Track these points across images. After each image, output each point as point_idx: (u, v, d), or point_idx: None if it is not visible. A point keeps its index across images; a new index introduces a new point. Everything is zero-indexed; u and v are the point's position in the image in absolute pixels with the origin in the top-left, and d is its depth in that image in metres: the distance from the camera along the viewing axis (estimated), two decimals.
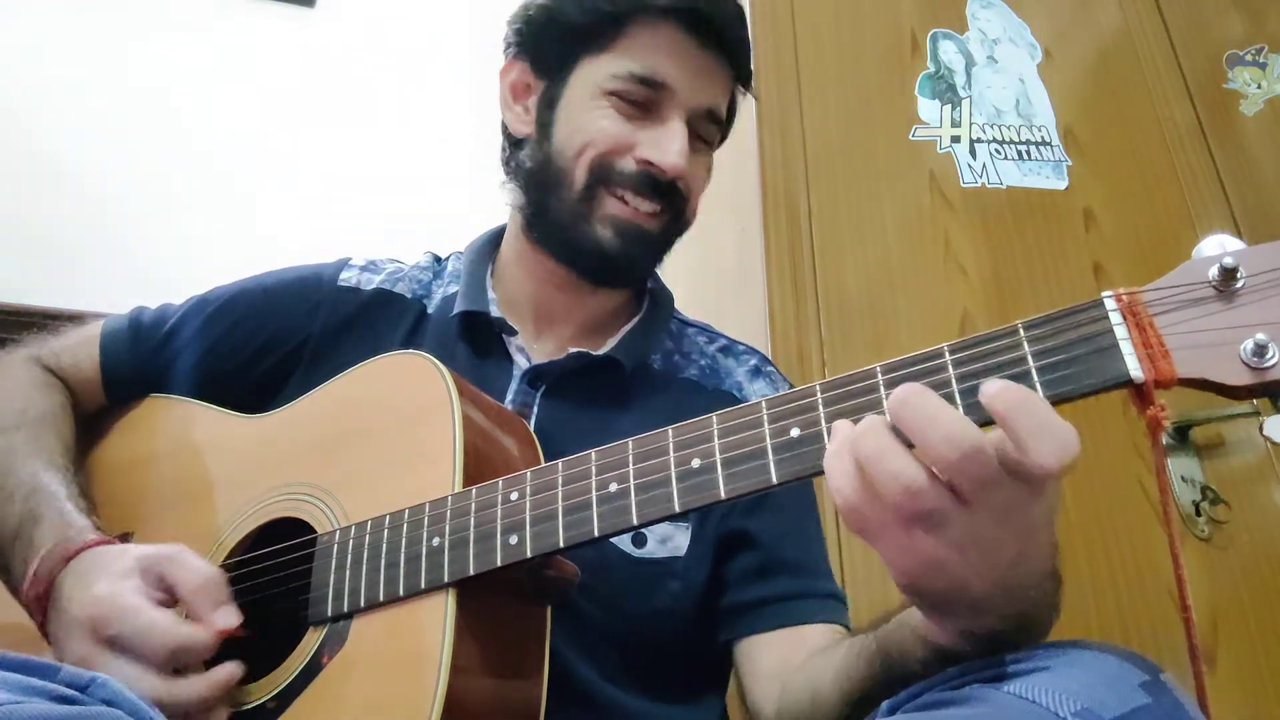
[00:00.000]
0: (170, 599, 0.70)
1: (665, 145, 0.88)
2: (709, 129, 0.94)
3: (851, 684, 0.67)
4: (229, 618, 0.70)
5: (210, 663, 0.69)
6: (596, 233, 0.89)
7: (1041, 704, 0.47)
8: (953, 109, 1.65)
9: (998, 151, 1.63)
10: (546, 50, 0.95)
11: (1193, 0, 1.81)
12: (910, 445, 0.48)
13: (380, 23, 2.19)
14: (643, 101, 0.89)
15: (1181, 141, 1.67)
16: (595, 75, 0.90)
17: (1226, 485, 1.40)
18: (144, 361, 0.97)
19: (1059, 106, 1.69)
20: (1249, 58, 1.76)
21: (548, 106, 0.93)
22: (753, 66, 1.00)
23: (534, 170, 0.94)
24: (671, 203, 0.91)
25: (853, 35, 1.67)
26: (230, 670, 0.68)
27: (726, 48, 0.92)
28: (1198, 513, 1.38)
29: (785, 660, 0.81)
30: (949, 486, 0.47)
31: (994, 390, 0.47)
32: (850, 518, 0.49)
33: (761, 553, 0.89)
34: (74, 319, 1.05)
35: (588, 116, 0.90)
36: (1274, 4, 1.83)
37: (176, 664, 0.67)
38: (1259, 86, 1.73)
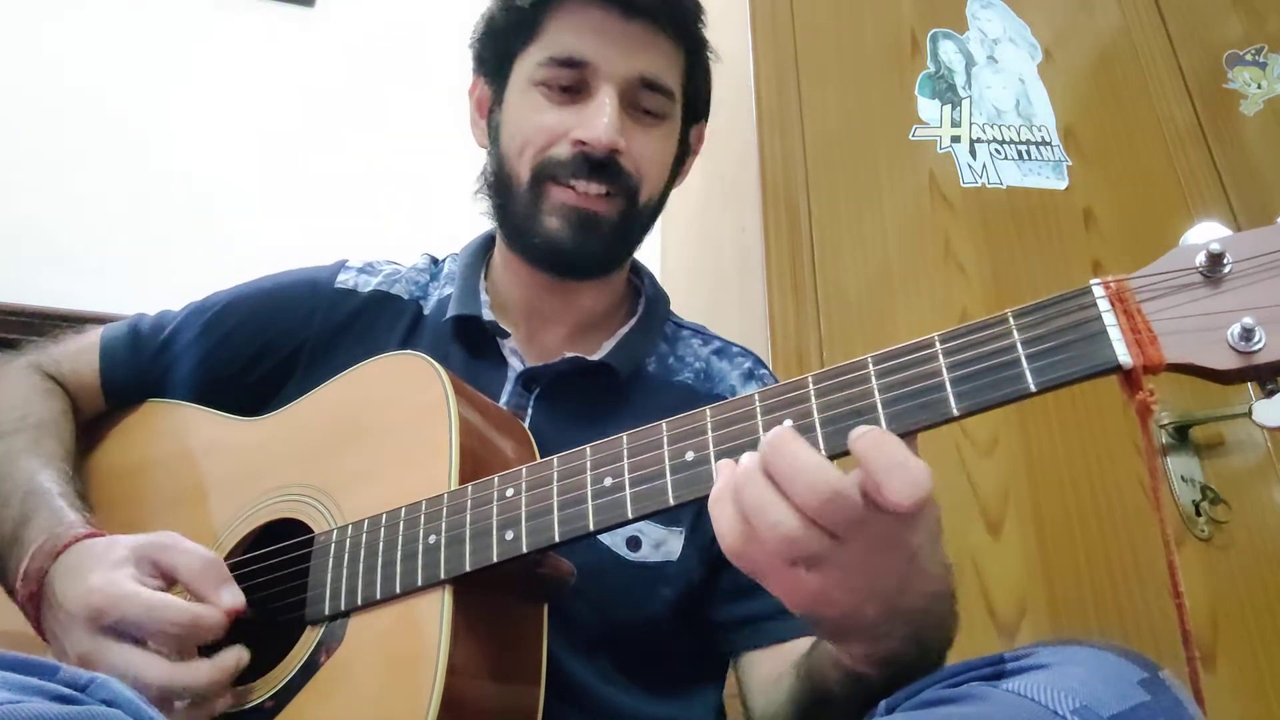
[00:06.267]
0: (167, 585, 0.70)
1: (592, 120, 0.86)
2: (654, 99, 0.91)
3: (794, 705, 0.72)
4: (235, 597, 0.70)
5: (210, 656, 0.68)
6: (546, 225, 0.88)
7: (1040, 702, 0.47)
8: (953, 109, 1.65)
9: (998, 151, 1.62)
10: (489, 59, 0.96)
11: (1193, 0, 1.81)
12: None
13: (380, 23, 2.19)
14: (569, 85, 0.88)
15: (1181, 141, 1.67)
16: (525, 70, 0.91)
17: (1226, 485, 1.39)
18: (143, 368, 0.97)
19: (1059, 106, 1.68)
20: (1249, 58, 1.76)
21: (494, 113, 0.95)
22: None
23: (491, 177, 0.95)
24: (620, 182, 0.89)
25: (853, 35, 1.67)
26: (237, 654, 0.68)
27: (652, 13, 0.89)
28: (1198, 512, 1.37)
29: (772, 675, 0.82)
30: (820, 528, 0.49)
31: (857, 433, 0.49)
32: (738, 561, 0.52)
33: None
34: (74, 320, 1.06)
35: (521, 112, 0.90)
36: (1274, 4, 1.82)
37: (186, 644, 0.67)
38: (1259, 86, 1.73)
